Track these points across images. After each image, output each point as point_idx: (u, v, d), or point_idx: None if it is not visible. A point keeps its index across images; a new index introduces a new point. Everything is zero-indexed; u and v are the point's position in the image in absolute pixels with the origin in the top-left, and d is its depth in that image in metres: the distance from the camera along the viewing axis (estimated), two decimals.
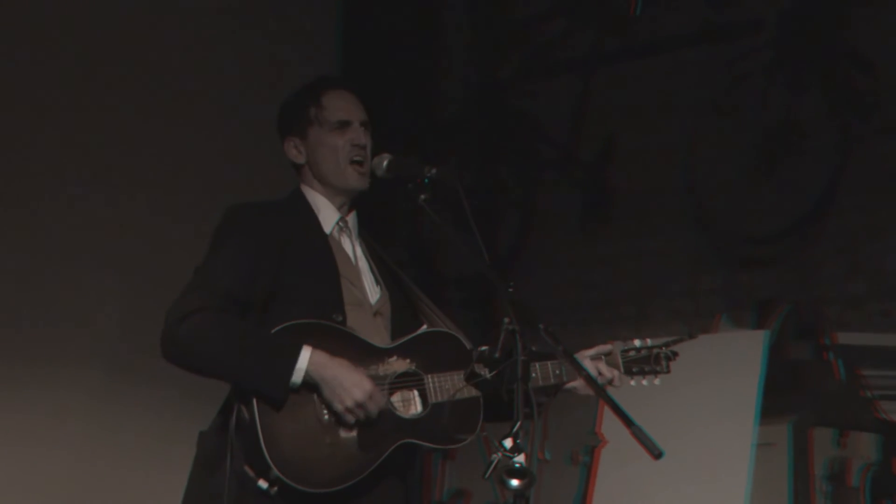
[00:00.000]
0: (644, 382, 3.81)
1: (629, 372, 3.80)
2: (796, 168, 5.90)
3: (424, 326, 3.65)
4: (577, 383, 3.70)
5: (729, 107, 6.13)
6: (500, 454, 3.05)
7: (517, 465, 3.03)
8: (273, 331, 3.41)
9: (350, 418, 3.38)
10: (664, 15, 6.39)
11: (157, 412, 5.99)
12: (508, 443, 3.04)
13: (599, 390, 3.34)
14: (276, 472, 3.30)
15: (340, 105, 3.70)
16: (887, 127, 5.64)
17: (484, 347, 3.35)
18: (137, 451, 6.02)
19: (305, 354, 3.37)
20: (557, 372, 3.63)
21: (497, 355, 3.26)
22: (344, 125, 3.67)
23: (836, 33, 5.85)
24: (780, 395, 5.72)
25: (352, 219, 3.73)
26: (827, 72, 5.88)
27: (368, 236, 3.78)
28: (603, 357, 3.78)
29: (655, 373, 3.82)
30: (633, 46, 6.51)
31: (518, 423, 3.05)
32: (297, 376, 3.36)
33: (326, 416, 3.40)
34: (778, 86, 6.00)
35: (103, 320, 6.07)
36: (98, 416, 5.99)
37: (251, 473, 3.33)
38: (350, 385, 3.37)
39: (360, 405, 3.37)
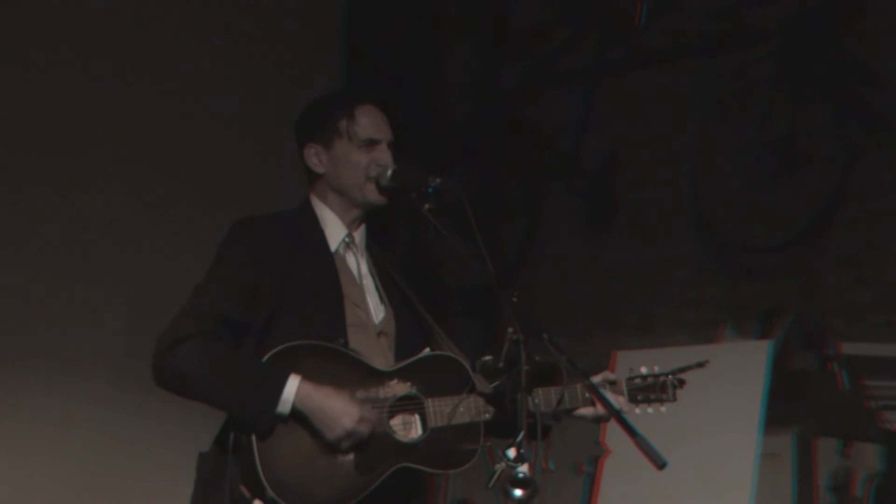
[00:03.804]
0: (650, 410, 3.75)
1: (634, 400, 3.73)
2: (801, 178, 5.90)
3: (427, 350, 3.62)
4: (584, 411, 3.66)
5: (734, 117, 6.14)
6: (503, 464, 3.05)
7: (520, 475, 3.03)
8: (271, 353, 3.38)
9: (344, 445, 3.36)
10: (669, 25, 6.40)
11: (160, 421, 5.97)
12: (512, 452, 3.05)
13: (603, 400, 3.33)
14: (271, 493, 3.28)
15: (372, 122, 3.64)
16: (892, 137, 5.64)
17: (487, 357, 3.35)
18: (140, 460, 6.02)
19: (292, 386, 3.34)
20: (560, 398, 3.59)
21: (500, 365, 3.26)
22: (372, 143, 3.62)
23: (842, 44, 5.85)
24: (784, 406, 5.72)
25: (359, 234, 3.69)
26: (832, 82, 5.88)
27: (377, 249, 3.75)
28: (608, 385, 3.74)
29: (661, 401, 3.77)
30: (637, 56, 6.51)
31: (521, 433, 3.05)
32: (284, 407, 3.33)
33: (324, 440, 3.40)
34: (783, 96, 6.00)
35: (107, 329, 6.06)
36: (101, 425, 5.98)
37: (247, 494, 3.32)
38: (337, 414, 3.34)
39: (349, 434, 3.35)
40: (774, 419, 5.70)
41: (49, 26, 6.01)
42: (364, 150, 3.61)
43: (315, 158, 3.65)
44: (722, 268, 6.14)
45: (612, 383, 3.73)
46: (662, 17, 6.42)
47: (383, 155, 3.62)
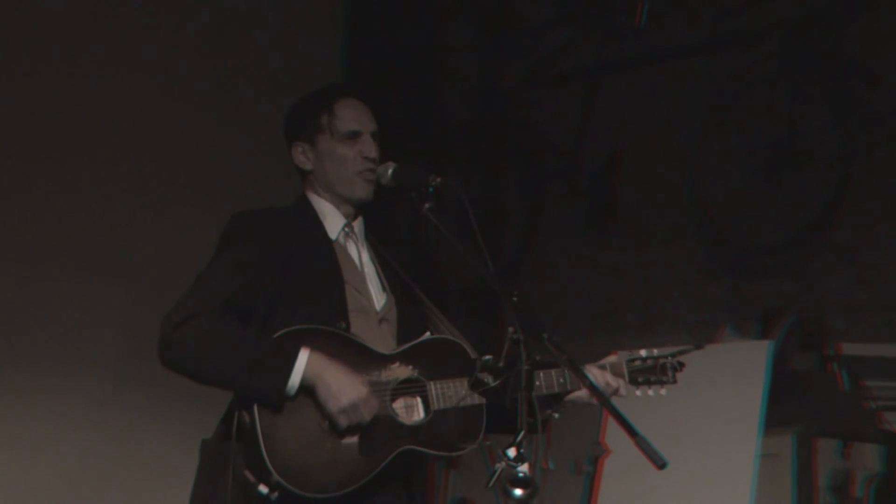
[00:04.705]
0: (650, 392, 3.79)
1: (634, 382, 3.78)
2: (801, 178, 5.90)
3: (428, 333, 3.64)
4: (582, 393, 3.69)
5: (734, 117, 6.14)
6: (503, 463, 3.05)
7: (520, 475, 3.03)
8: (274, 336, 3.40)
9: (343, 420, 3.36)
10: (669, 25, 6.40)
11: (160, 419, 5.99)
12: (512, 452, 3.04)
13: (603, 400, 3.33)
14: (276, 476, 3.30)
15: (352, 115, 3.68)
16: (892, 137, 5.64)
17: (488, 356, 3.35)
18: (140, 458, 6.03)
19: (304, 356, 3.35)
20: (562, 380, 3.62)
21: (501, 364, 3.26)
22: (355, 136, 3.65)
23: (842, 44, 5.85)
24: (784, 406, 5.71)
25: (358, 224, 3.72)
26: (832, 83, 5.88)
27: (375, 241, 3.78)
28: (608, 366, 3.77)
29: (661, 383, 3.80)
30: (638, 56, 6.51)
31: (522, 433, 3.05)
32: (295, 378, 3.34)
33: (327, 422, 3.39)
34: (783, 96, 6.00)
35: (107, 327, 6.07)
36: (101, 422, 5.99)
37: (251, 478, 3.32)
38: (345, 386, 3.35)
39: (353, 407, 3.36)
40: (774, 419, 5.69)
41: (47, 26, 6.01)
42: (347, 144, 3.65)
43: (302, 156, 3.69)
44: (722, 268, 6.14)
45: (613, 364, 3.77)
46: (663, 17, 6.42)
47: (367, 146, 3.65)
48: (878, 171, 5.68)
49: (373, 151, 3.65)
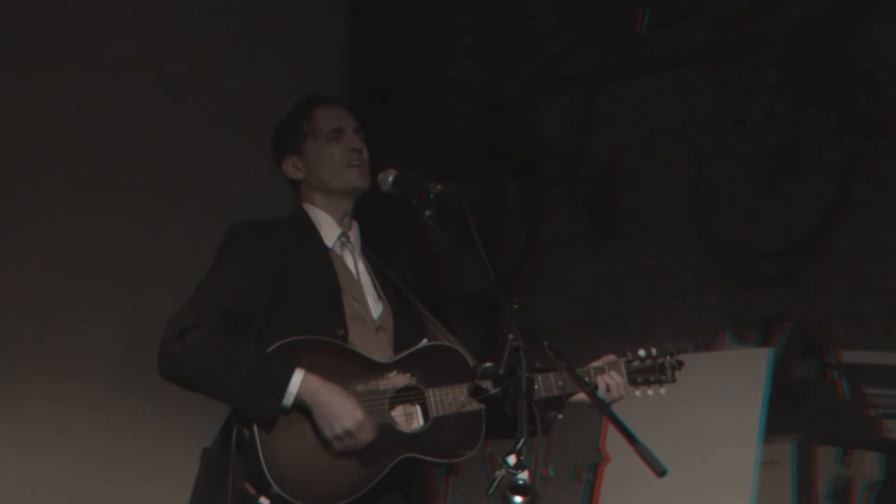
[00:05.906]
0: (650, 392, 3.79)
1: (633, 382, 3.78)
2: (801, 185, 5.90)
3: (425, 340, 3.65)
4: (583, 395, 3.69)
5: (734, 124, 6.14)
6: (503, 471, 3.05)
7: (520, 482, 3.03)
8: (272, 347, 3.41)
9: (338, 445, 3.38)
10: (670, 32, 6.40)
11: (159, 426, 5.98)
12: (512, 459, 3.04)
13: (603, 406, 3.33)
14: (276, 489, 3.31)
15: (331, 115, 3.76)
16: (892, 146, 5.64)
17: (488, 364, 3.36)
18: (140, 465, 6.02)
19: (297, 378, 3.37)
20: (560, 383, 3.62)
21: (501, 372, 3.27)
22: (338, 132, 3.72)
23: (843, 53, 5.85)
24: (784, 413, 5.71)
25: (354, 234, 3.74)
26: (832, 90, 5.88)
27: (371, 252, 3.80)
28: (606, 367, 3.76)
29: (661, 382, 3.81)
30: (639, 63, 6.52)
31: (522, 440, 3.05)
32: (288, 399, 3.36)
33: None
34: (783, 103, 6.00)
35: (106, 335, 6.07)
36: (101, 430, 5.99)
37: (252, 491, 3.33)
38: (341, 413, 3.37)
39: (349, 433, 3.37)
40: (774, 427, 5.69)
41: (48, 30, 6.01)
42: (333, 142, 3.71)
43: (292, 168, 3.75)
44: (722, 275, 6.13)
45: (612, 364, 3.77)
46: (664, 24, 6.42)
47: (352, 140, 3.72)
48: (878, 179, 5.68)
49: (358, 143, 3.72)
